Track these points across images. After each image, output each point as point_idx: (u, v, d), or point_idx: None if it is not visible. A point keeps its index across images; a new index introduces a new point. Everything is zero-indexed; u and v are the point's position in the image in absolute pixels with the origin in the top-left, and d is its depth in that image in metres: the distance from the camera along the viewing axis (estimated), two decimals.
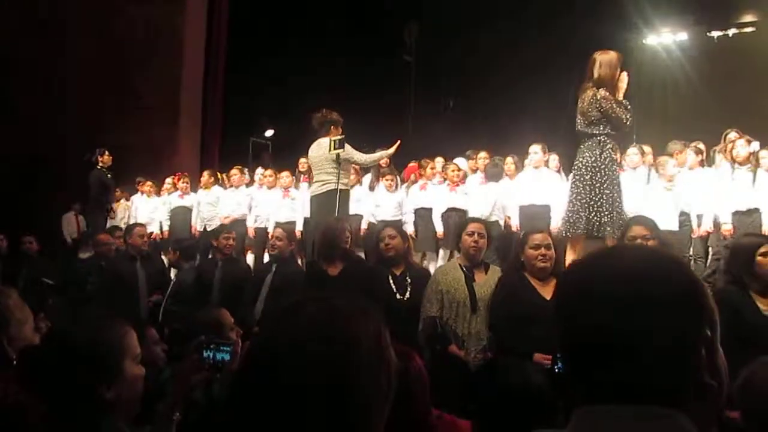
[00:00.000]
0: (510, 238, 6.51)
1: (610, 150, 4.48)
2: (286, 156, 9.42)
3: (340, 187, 5.73)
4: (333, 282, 4.29)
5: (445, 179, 7.40)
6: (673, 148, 6.85)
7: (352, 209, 6.53)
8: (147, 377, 1.59)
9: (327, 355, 0.87)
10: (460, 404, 2.16)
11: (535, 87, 10.27)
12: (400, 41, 13.43)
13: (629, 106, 4.44)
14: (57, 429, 1.41)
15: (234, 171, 8.55)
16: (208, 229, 8.36)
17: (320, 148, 5.87)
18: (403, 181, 7.93)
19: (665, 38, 12.20)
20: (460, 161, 7.73)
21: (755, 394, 1.72)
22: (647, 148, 6.83)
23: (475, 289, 3.81)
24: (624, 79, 4.52)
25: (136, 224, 6.52)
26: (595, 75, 4.47)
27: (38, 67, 10.80)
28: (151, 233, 8.09)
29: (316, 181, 5.98)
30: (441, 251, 7.24)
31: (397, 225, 6.09)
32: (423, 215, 7.36)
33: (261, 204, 8.09)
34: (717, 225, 6.02)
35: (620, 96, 4.45)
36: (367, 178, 7.84)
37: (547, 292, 3.44)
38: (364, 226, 7.42)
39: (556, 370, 2.81)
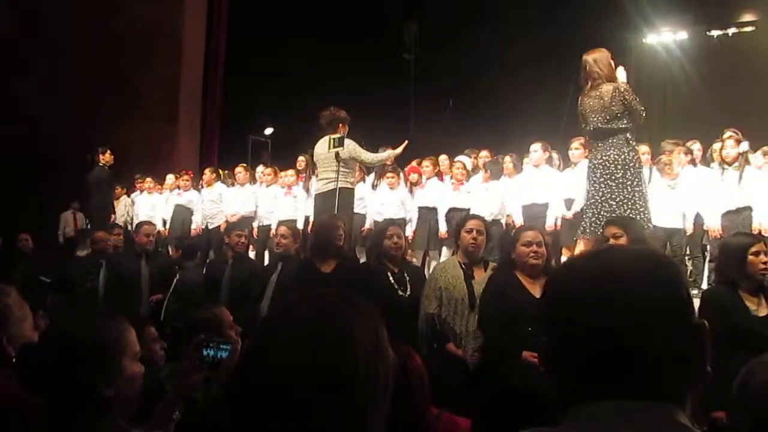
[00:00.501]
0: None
1: (634, 146, 4.49)
2: (285, 154, 9.42)
3: (345, 185, 5.73)
4: (326, 279, 4.29)
5: (443, 177, 7.40)
6: (665, 147, 6.86)
7: (356, 208, 6.52)
8: (146, 375, 1.58)
9: (325, 353, 0.87)
10: (458, 402, 2.16)
11: (536, 85, 10.26)
12: (400, 40, 13.42)
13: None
14: (56, 427, 1.41)
15: (239, 169, 8.56)
16: (210, 227, 8.38)
17: (324, 146, 5.89)
18: (406, 180, 7.91)
19: (665, 37, 12.19)
20: (464, 159, 7.71)
21: (753, 395, 1.71)
22: (644, 147, 6.83)
23: (474, 286, 3.81)
24: (622, 72, 4.53)
25: (143, 222, 6.58)
26: (602, 72, 4.47)
27: (38, 67, 10.80)
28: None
29: (321, 179, 5.97)
30: (444, 250, 7.23)
31: (401, 224, 6.09)
32: (424, 214, 7.34)
33: (262, 202, 8.11)
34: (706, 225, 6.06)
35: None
36: (371, 177, 7.85)
37: (537, 290, 3.44)
38: (367, 224, 7.41)
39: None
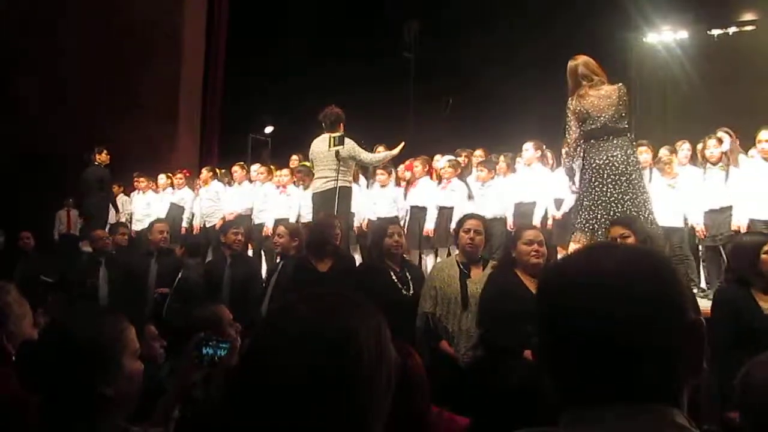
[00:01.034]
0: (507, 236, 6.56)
1: (635, 148, 4.52)
2: (285, 153, 9.42)
3: (345, 184, 5.73)
4: (323, 278, 4.30)
5: (434, 176, 7.40)
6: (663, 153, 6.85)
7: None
8: (146, 374, 1.58)
9: (325, 353, 0.87)
10: (451, 401, 2.16)
11: (536, 85, 10.25)
12: (400, 39, 13.42)
13: None
14: (55, 425, 1.41)
15: (236, 167, 8.58)
16: (207, 225, 8.40)
17: (323, 144, 5.87)
18: (398, 178, 7.89)
19: (665, 36, 12.17)
20: (453, 158, 7.69)
21: (754, 392, 1.71)
22: (643, 147, 6.82)
23: (470, 286, 3.81)
24: None
25: (156, 220, 6.64)
26: (598, 73, 4.48)
27: (38, 67, 10.80)
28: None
29: (318, 178, 5.95)
30: (439, 250, 7.22)
31: (397, 222, 6.09)
32: (415, 213, 7.33)
33: (257, 200, 8.14)
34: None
35: None
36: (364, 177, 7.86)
37: None
38: (356, 223, 7.39)
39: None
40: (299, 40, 12.13)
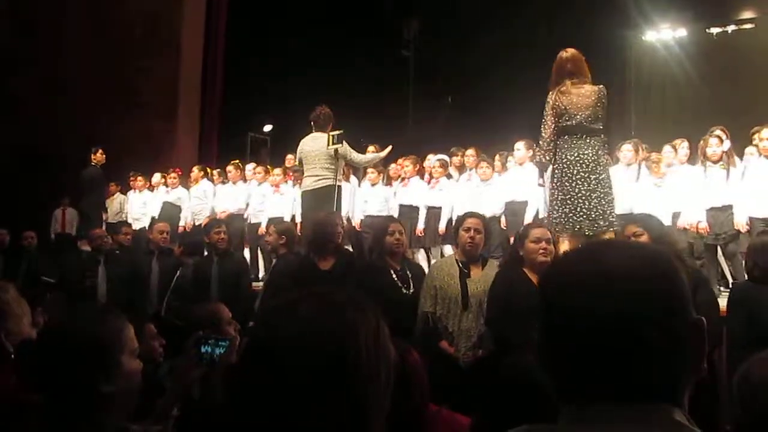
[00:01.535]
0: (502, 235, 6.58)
1: (605, 149, 4.52)
2: (285, 151, 9.42)
3: (338, 183, 5.72)
4: (325, 276, 4.29)
5: (430, 176, 7.39)
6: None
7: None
8: (145, 372, 1.58)
9: (325, 352, 0.87)
10: (451, 400, 2.16)
11: (535, 83, 10.22)
12: (400, 37, 13.42)
13: None
14: (55, 423, 1.41)
15: (230, 167, 8.58)
16: (196, 223, 8.41)
17: (316, 143, 5.84)
18: (388, 177, 7.87)
19: (664, 34, 12.18)
20: (444, 158, 7.68)
21: (753, 390, 1.71)
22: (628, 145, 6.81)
23: (469, 285, 3.81)
24: None
25: (157, 220, 6.75)
26: (583, 71, 4.48)
27: (37, 65, 10.79)
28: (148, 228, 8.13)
29: (309, 176, 5.89)
30: (447, 248, 7.20)
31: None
32: (406, 212, 7.29)
33: (252, 200, 8.16)
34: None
35: None
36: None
37: None
38: (346, 221, 7.38)
39: None
40: (298, 39, 12.12)
